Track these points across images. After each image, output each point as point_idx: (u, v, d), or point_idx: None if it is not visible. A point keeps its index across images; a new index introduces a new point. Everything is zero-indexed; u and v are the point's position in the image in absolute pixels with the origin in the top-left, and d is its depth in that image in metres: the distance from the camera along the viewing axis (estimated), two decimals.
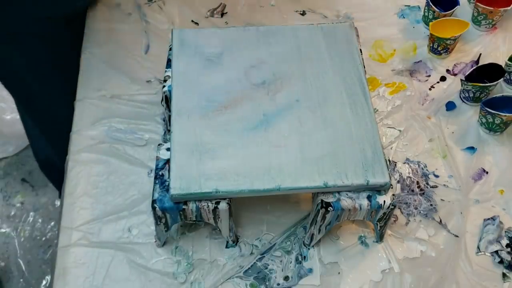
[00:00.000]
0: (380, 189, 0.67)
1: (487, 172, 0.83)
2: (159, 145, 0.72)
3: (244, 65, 0.76)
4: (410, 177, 0.82)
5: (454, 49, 0.96)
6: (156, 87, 0.91)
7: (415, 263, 0.74)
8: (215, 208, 0.66)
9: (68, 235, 0.75)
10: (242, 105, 0.72)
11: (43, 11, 0.89)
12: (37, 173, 1.64)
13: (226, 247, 0.75)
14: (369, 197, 0.67)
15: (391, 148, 0.85)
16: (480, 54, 0.97)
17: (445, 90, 0.92)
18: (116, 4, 1.02)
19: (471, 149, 0.85)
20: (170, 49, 0.79)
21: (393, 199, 0.68)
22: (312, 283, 0.72)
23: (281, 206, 0.78)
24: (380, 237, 0.75)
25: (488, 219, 0.78)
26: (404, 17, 1.03)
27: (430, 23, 0.94)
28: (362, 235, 0.76)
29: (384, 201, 0.67)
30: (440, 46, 0.94)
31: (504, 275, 0.74)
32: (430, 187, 0.81)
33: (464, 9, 1.01)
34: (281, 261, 0.74)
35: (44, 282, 1.45)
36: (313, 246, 0.75)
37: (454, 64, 0.96)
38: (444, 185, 0.81)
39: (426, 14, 0.99)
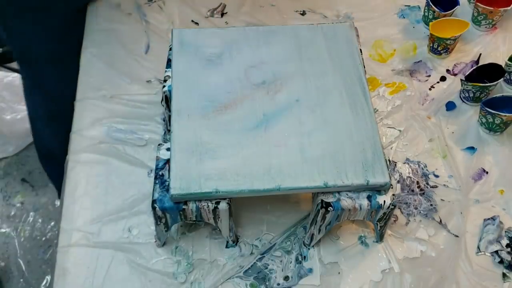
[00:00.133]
0: (380, 189, 0.67)
1: (487, 172, 0.83)
2: (159, 145, 0.72)
3: (244, 65, 0.76)
4: (410, 177, 0.82)
5: (454, 49, 0.96)
6: (156, 87, 0.91)
7: (415, 263, 0.74)
8: (215, 208, 0.66)
9: (68, 235, 0.75)
10: (242, 105, 0.72)
11: None
12: (37, 173, 1.64)
13: (226, 247, 0.75)
14: (369, 197, 0.67)
15: (391, 148, 0.85)
16: (480, 54, 0.97)
17: (445, 90, 0.92)
18: (116, 4, 1.02)
19: (471, 149, 0.85)
20: (170, 49, 0.79)
21: (393, 199, 0.68)
22: (312, 283, 0.72)
23: (281, 206, 0.78)
24: (380, 237, 0.75)
25: (488, 219, 0.78)
26: (404, 17, 1.03)
27: (430, 23, 0.94)
28: (362, 235, 0.76)
29: (384, 201, 0.67)
30: (440, 46, 0.94)
31: (504, 275, 0.74)
32: (430, 187, 0.81)
33: (464, 9, 1.01)
34: (281, 261, 0.74)
35: (44, 282, 1.45)
36: (313, 246, 0.75)
37: (454, 64, 0.96)
38: (444, 185, 0.81)
39: (426, 14, 0.99)
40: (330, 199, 0.67)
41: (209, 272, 0.73)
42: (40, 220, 1.56)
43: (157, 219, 0.68)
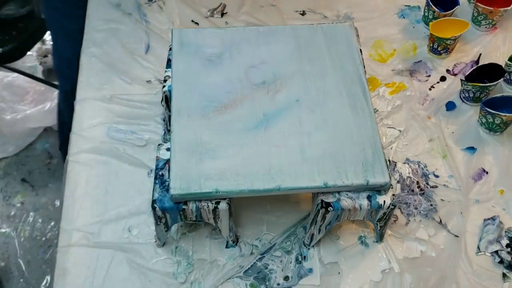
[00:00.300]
0: (380, 189, 0.67)
1: (487, 172, 0.83)
2: (159, 145, 0.72)
3: (244, 65, 0.76)
4: (410, 177, 0.82)
5: (454, 49, 0.96)
6: (156, 87, 0.91)
7: (415, 263, 0.74)
8: (215, 208, 0.66)
9: (68, 235, 0.75)
10: (242, 105, 0.72)
11: None
12: (37, 173, 1.64)
13: (226, 247, 0.75)
14: (369, 197, 0.67)
15: (391, 148, 0.85)
16: (480, 54, 0.97)
17: (445, 90, 0.92)
18: (116, 4, 1.02)
19: (471, 149, 0.85)
20: (170, 49, 0.79)
21: (393, 199, 0.68)
22: (312, 283, 0.72)
23: (281, 206, 0.78)
24: (380, 237, 0.75)
25: (488, 219, 0.78)
26: (404, 17, 1.03)
27: (430, 23, 0.94)
28: (362, 235, 0.76)
29: (384, 201, 0.67)
30: (440, 46, 0.94)
31: (504, 275, 0.74)
32: (430, 187, 0.81)
33: (464, 9, 1.01)
34: (281, 261, 0.74)
35: (44, 282, 1.45)
36: (313, 246, 0.75)
37: (454, 64, 0.96)
38: (444, 185, 0.81)
39: (426, 14, 0.99)
40: (330, 199, 0.67)
41: (209, 272, 0.73)
42: (40, 220, 1.56)
43: (157, 219, 0.68)
